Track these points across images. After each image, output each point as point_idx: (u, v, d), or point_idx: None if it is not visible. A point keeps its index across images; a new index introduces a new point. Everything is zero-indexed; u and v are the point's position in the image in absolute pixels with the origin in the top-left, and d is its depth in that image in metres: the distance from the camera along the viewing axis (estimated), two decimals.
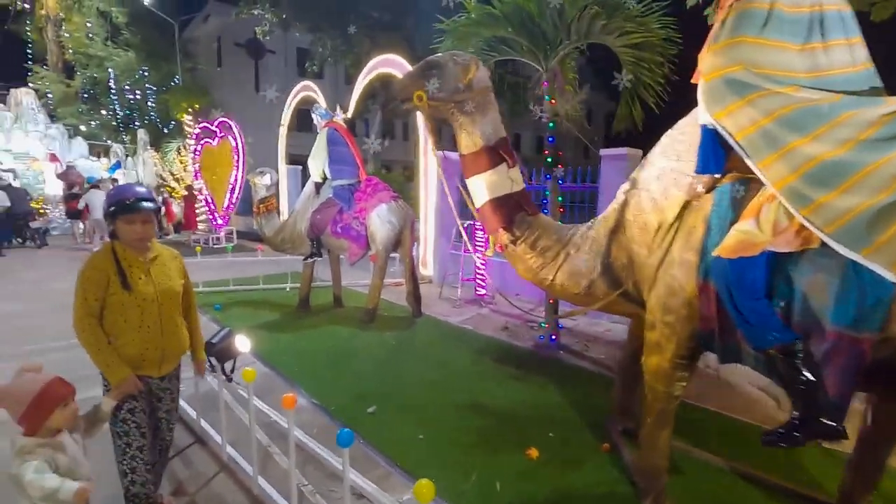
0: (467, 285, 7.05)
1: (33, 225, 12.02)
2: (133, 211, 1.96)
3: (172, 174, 17.14)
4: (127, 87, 20.57)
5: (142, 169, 19.61)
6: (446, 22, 4.83)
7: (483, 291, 6.76)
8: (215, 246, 12.69)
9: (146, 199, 2.00)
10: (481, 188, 2.88)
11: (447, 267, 7.75)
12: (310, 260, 6.03)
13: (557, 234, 2.86)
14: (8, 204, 10.60)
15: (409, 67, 8.61)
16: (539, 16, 4.45)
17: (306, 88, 11.76)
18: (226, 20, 23.64)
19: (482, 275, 6.72)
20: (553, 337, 5.03)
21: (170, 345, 2.17)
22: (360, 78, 9.65)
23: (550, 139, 4.86)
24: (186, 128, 15.10)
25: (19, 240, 11.80)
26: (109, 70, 20.11)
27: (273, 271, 8.06)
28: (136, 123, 20.85)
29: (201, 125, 14.11)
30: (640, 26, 3.79)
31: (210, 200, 14.15)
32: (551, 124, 4.81)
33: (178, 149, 16.70)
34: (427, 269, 8.39)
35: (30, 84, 19.32)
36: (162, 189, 16.67)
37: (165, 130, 20.59)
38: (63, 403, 1.66)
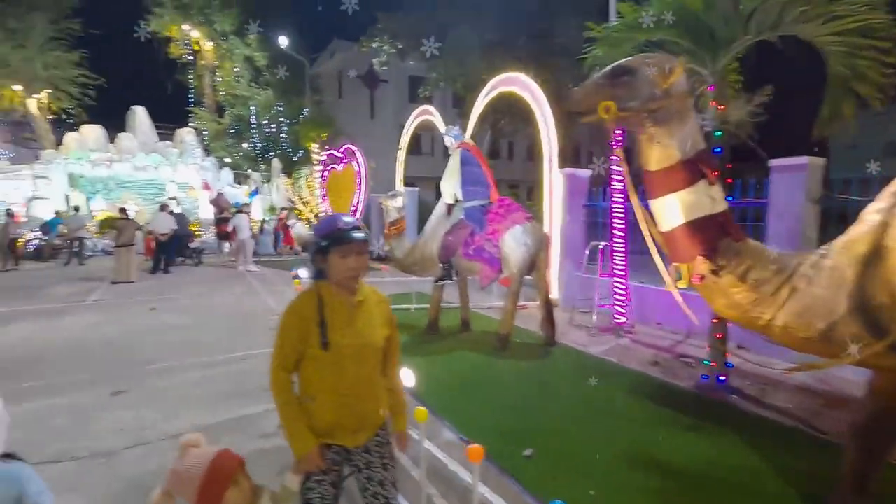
0: (603, 311, 6.48)
1: (192, 245, 13.68)
2: (348, 242, 1.73)
3: (301, 198, 18.66)
4: (265, 122, 23.07)
5: (275, 194, 21.71)
6: (596, 28, 4.50)
7: (622, 319, 6.16)
8: None
9: (357, 229, 1.79)
10: (675, 209, 2.47)
11: (575, 291, 7.26)
12: (441, 283, 5.95)
13: (777, 263, 2.34)
14: (176, 227, 12.17)
15: (532, 84, 8.49)
16: (706, 13, 3.94)
17: (425, 113, 12.09)
18: (346, 55, 25.62)
19: (622, 301, 6.14)
20: (721, 377, 4.33)
21: (367, 411, 1.82)
22: (479, 98, 9.63)
23: (717, 150, 4.25)
24: (314, 155, 16.38)
25: (180, 258, 13.50)
26: (252, 107, 22.73)
27: (394, 291, 8.19)
28: (272, 153, 23.23)
29: (328, 152, 15.19)
30: (853, 6, 3.10)
31: None
32: (718, 133, 4.21)
33: (308, 175, 18.16)
34: (552, 293, 7.95)
35: (190, 124, 22.52)
36: (285, 211, 18.20)
37: (295, 158, 22.65)
38: (234, 479, 1.53)
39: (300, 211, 18.42)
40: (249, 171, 22.52)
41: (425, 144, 34.13)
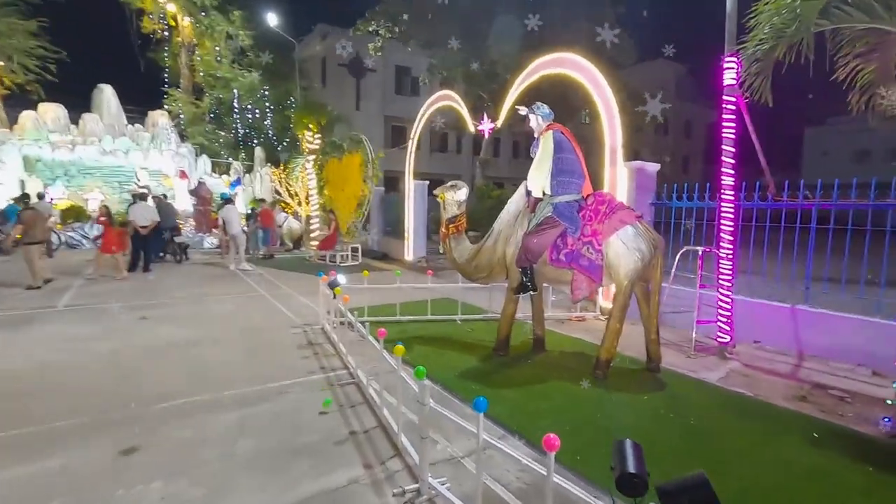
0: (703, 328, 5.53)
1: (178, 240, 12.14)
2: None
3: (289, 190, 17.19)
4: (248, 107, 21.33)
5: (259, 185, 20.10)
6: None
7: (727, 339, 5.26)
8: (342, 264, 12.14)
9: None
10: None
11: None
12: (522, 294, 4.91)
13: None
14: (158, 218, 10.65)
15: (587, 65, 7.51)
16: None
17: (446, 98, 10.97)
18: (333, 41, 24.13)
19: (727, 317, 5.23)
20: None
21: None
22: (517, 82, 8.59)
23: None
24: (306, 144, 15.01)
25: (162, 254, 11.93)
26: (234, 90, 20.96)
27: (432, 296, 7.06)
28: (254, 141, 21.52)
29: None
30: None
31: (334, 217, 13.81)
32: None
33: (302, 165, 16.74)
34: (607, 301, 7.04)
35: (164, 106, 20.56)
36: (265, 203, 16.73)
37: (279, 147, 21.05)
38: None
39: (286, 204, 16.95)
40: (230, 159, 20.76)
41: (450, 142, 32.88)
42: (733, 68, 4.95)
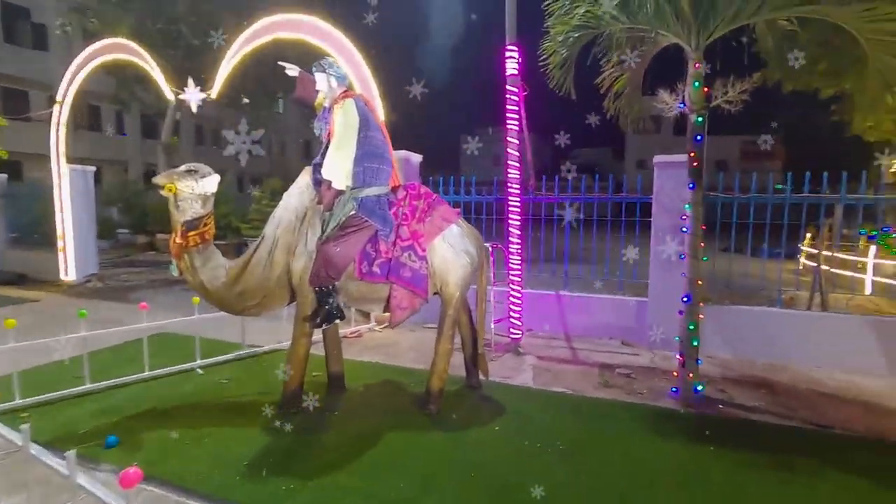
0: (497, 327, 5.28)
1: None
2: None
3: None
4: None
5: None
6: None
7: (519, 335, 5.20)
8: None
9: None
10: None
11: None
12: (326, 325, 3.51)
13: None
14: None
15: (335, 33, 6.35)
16: None
17: (117, 50, 7.69)
18: None
19: (518, 313, 5.17)
20: (698, 387, 3.98)
21: None
22: (235, 45, 6.76)
23: (698, 138, 3.80)
24: None
25: None
26: None
27: (114, 342, 4.65)
28: None
29: None
30: None
31: None
32: (699, 119, 3.77)
33: None
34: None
35: None
36: None
37: None
38: None
39: None
40: None
41: (105, 118, 23.67)
42: (514, 58, 4.82)
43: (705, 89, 3.73)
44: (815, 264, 9.63)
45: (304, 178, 3.67)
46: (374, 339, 5.63)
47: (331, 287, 3.46)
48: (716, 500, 2.65)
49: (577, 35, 4.13)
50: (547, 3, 4.21)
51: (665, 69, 4.34)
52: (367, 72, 5.97)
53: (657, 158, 5.20)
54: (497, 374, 4.49)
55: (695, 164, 3.80)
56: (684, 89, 3.82)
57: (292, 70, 3.68)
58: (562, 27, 4.13)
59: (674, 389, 4.05)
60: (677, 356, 4.01)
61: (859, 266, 8.65)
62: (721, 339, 4.95)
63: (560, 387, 4.27)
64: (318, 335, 3.91)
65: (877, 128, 13.49)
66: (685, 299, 3.91)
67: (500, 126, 5.12)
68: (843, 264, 8.89)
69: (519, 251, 5.08)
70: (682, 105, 3.86)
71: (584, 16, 3.83)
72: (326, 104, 3.58)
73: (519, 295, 5.15)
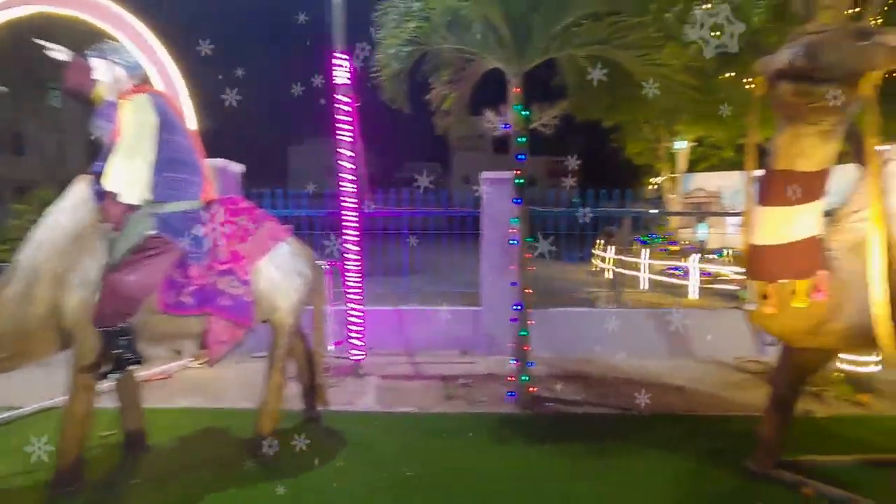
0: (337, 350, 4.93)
1: None
2: None
3: None
4: None
5: None
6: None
7: (361, 355, 4.93)
8: None
9: None
10: (805, 221, 2.13)
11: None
12: (117, 375, 2.78)
13: None
14: None
15: (127, 17, 5.28)
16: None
17: None
18: None
19: (359, 333, 4.90)
20: (532, 388, 4.25)
21: None
22: None
23: (521, 157, 4.09)
24: None
25: None
26: None
27: None
28: None
29: None
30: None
31: None
32: (521, 139, 4.06)
33: None
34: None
35: None
36: None
37: None
38: None
39: None
40: None
41: None
42: (343, 66, 4.61)
43: (525, 112, 4.04)
44: (608, 266, 11.43)
45: (80, 189, 2.89)
46: (190, 379, 4.79)
47: (123, 326, 2.77)
48: (556, 497, 2.80)
49: (409, 49, 4.12)
50: (377, 14, 4.12)
51: (490, 91, 4.61)
52: (172, 68, 5.12)
53: (484, 174, 5.50)
54: (338, 401, 4.16)
55: (520, 180, 4.08)
56: (507, 111, 4.09)
57: (58, 53, 2.89)
58: (393, 40, 4.08)
59: (510, 394, 4.27)
60: (511, 361, 4.24)
61: (636, 267, 10.53)
62: (543, 339, 5.43)
63: (405, 406, 4.16)
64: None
65: (641, 154, 16.71)
66: (517, 307, 4.16)
67: (332, 136, 4.85)
68: (627, 266, 10.72)
69: (358, 268, 4.85)
70: (506, 126, 4.12)
71: (414, 31, 3.83)
72: (109, 98, 2.88)
73: (359, 314, 4.91)
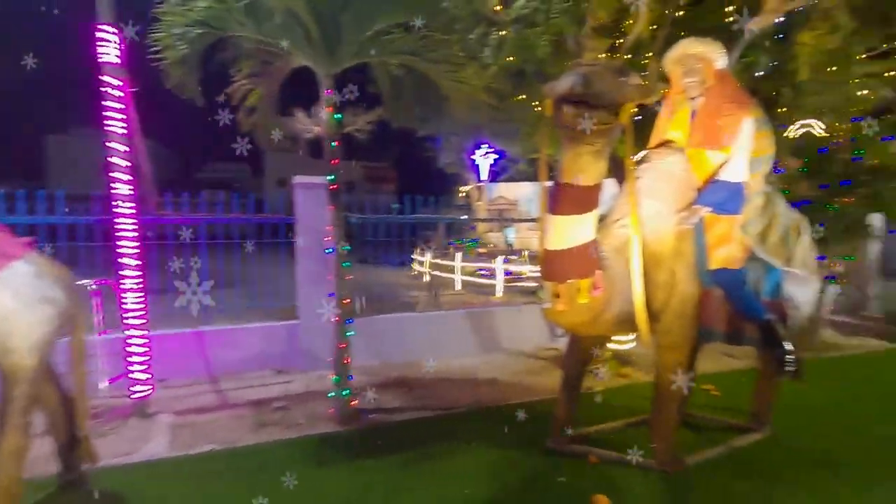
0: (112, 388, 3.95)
1: None
2: None
3: None
4: None
5: None
6: None
7: (146, 390, 4.07)
8: None
9: None
10: (586, 228, 2.42)
11: None
12: None
13: None
14: None
15: None
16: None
17: None
18: None
19: (144, 364, 4.04)
20: (353, 402, 4.07)
21: None
22: None
23: (334, 161, 3.88)
24: None
25: None
26: None
27: None
28: None
29: None
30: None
31: None
32: (333, 143, 3.87)
33: None
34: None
35: None
36: None
37: None
38: None
39: None
40: None
41: None
42: (111, 42, 3.78)
43: (337, 115, 3.87)
44: (426, 270, 11.92)
45: None
46: None
47: None
48: None
49: (199, 32, 3.58)
50: None
51: (303, 90, 4.31)
52: None
53: (296, 179, 5.16)
54: (115, 452, 3.38)
55: (333, 186, 3.90)
56: (319, 112, 3.87)
57: None
58: (179, 18, 3.50)
59: (330, 410, 4.04)
60: (330, 376, 4.02)
61: (451, 269, 11.23)
62: (365, 347, 5.33)
63: (206, 444, 3.58)
64: None
65: (452, 164, 17.91)
66: (348, 321, 3.96)
67: (101, 127, 3.96)
68: (443, 269, 11.35)
69: (139, 286, 4.01)
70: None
71: (205, 11, 3.34)
72: None
73: (143, 340, 4.07)
